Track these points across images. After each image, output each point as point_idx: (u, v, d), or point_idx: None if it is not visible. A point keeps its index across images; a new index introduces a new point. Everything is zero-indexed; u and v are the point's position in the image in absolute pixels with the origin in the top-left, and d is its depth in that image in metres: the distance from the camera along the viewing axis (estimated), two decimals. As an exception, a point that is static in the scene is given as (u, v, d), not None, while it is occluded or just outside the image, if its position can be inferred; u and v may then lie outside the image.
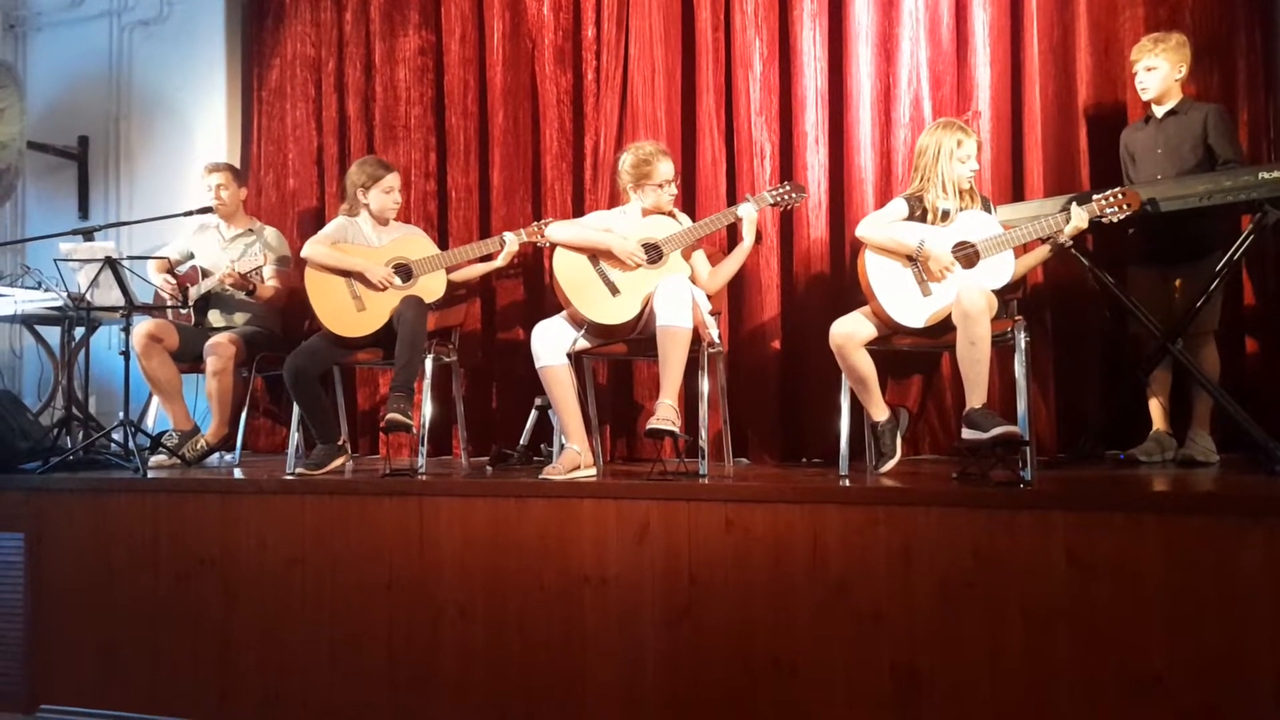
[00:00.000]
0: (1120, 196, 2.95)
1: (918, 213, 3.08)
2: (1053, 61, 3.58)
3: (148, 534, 3.11)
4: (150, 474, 3.35)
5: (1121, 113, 3.56)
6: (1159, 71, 3.16)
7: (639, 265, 3.19)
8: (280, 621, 2.97)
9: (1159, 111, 3.23)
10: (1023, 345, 2.90)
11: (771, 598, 2.54)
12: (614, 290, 3.19)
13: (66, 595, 3.19)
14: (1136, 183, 3.17)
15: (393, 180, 3.66)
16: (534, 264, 4.11)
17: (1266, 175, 2.86)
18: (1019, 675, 2.33)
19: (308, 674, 2.93)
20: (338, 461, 3.42)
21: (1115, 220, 2.94)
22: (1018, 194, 3.58)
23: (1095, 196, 2.98)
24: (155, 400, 4.05)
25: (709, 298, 3.29)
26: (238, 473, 3.59)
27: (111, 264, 3.50)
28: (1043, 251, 3.11)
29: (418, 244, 3.63)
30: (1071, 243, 3.01)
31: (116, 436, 3.57)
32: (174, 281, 3.99)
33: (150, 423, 4.11)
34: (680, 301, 2.98)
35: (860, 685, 2.45)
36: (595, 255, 3.23)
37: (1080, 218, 2.95)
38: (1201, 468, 3.06)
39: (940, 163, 3.03)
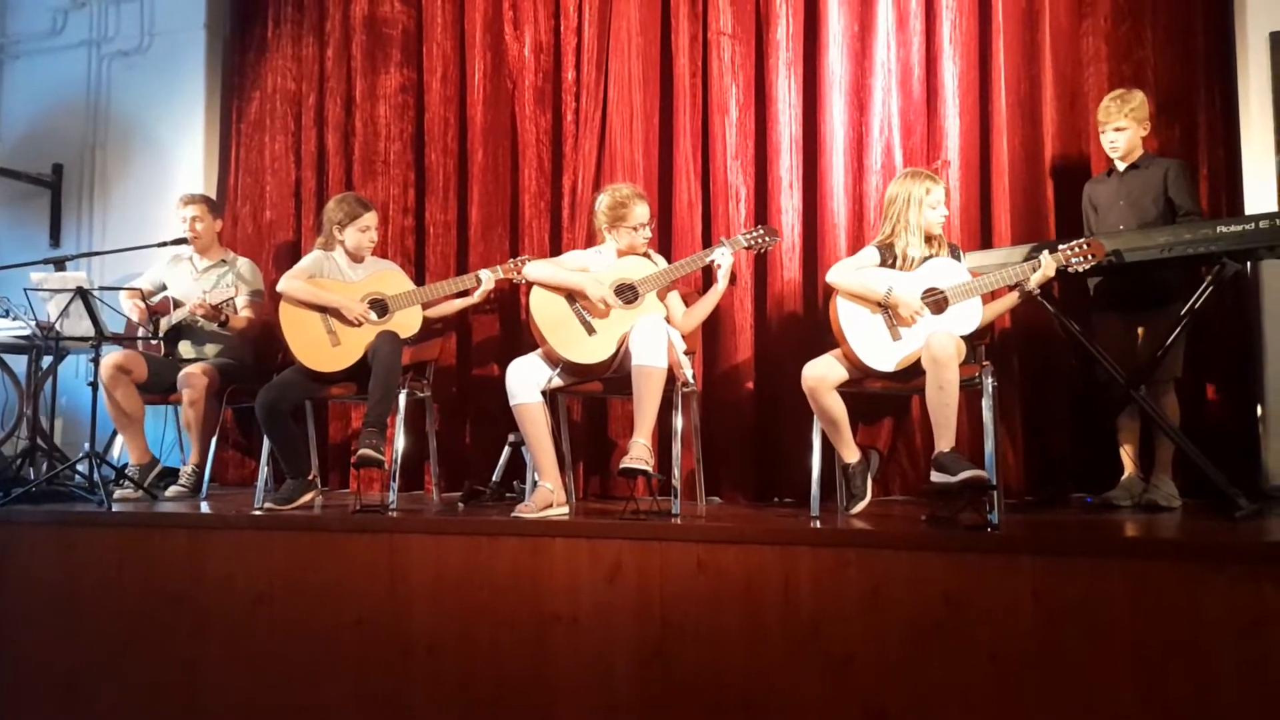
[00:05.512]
0: (1085, 247, 3.01)
1: (889, 260, 3.14)
2: (1020, 114, 3.68)
3: (112, 568, 3.06)
4: (116, 507, 3.30)
5: (1086, 164, 3.66)
6: (1127, 132, 3.26)
7: (611, 308, 3.21)
8: (247, 658, 2.92)
9: (1121, 165, 3.32)
10: (990, 390, 2.95)
11: (743, 638, 2.54)
12: (590, 330, 3.21)
13: (28, 628, 3.12)
14: (1099, 233, 3.25)
15: (370, 219, 3.65)
16: (510, 300, 4.13)
17: (1224, 229, 2.94)
18: (988, 716, 2.34)
19: (275, 710, 2.88)
20: (307, 496, 3.39)
21: (1080, 270, 3.01)
22: (986, 242, 3.66)
23: (1061, 246, 3.04)
24: (123, 431, 4.00)
25: (684, 337, 3.32)
26: (205, 507, 3.54)
27: (83, 294, 3.48)
28: (1011, 298, 3.17)
29: (393, 279, 3.63)
30: (1039, 290, 3.07)
31: (81, 468, 3.52)
32: (143, 307, 3.95)
33: (116, 454, 4.05)
34: (656, 341, 3.01)
35: (830, 727, 2.45)
36: (571, 295, 3.26)
37: (1049, 267, 3.00)
38: (1165, 512, 3.11)
39: (910, 210, 3.11)
